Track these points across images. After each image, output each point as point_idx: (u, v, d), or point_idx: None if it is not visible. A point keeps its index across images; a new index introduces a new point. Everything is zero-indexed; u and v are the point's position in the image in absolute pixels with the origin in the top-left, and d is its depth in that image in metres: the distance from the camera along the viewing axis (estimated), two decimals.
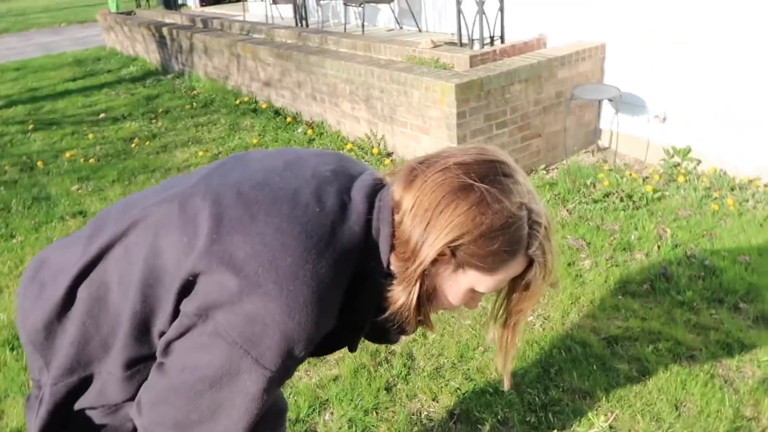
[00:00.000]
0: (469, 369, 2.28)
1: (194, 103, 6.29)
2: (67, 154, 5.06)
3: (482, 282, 0.94)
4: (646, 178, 3.88)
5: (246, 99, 6.07)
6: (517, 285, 0.98)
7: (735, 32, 3.60)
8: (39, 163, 4.92)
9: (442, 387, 2.21)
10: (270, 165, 1.00)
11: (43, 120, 6.20)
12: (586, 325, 2.49)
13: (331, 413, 2.15)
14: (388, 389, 2.22)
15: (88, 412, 1.03)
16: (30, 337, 1.02)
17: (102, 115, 6.19)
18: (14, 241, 3.64)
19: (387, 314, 0.96)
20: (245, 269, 0.84)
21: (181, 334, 0.89)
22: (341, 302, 0.92)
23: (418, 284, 0.93)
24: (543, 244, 0.93)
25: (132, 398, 0.99)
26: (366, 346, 2.43)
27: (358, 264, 0.92)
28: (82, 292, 0.98)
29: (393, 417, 2.10)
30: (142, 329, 0.95)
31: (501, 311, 1.04)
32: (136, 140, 5.30)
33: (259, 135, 5.15)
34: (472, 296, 0.99)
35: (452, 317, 2.58)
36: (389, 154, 4.37)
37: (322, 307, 0.87)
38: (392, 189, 0.94)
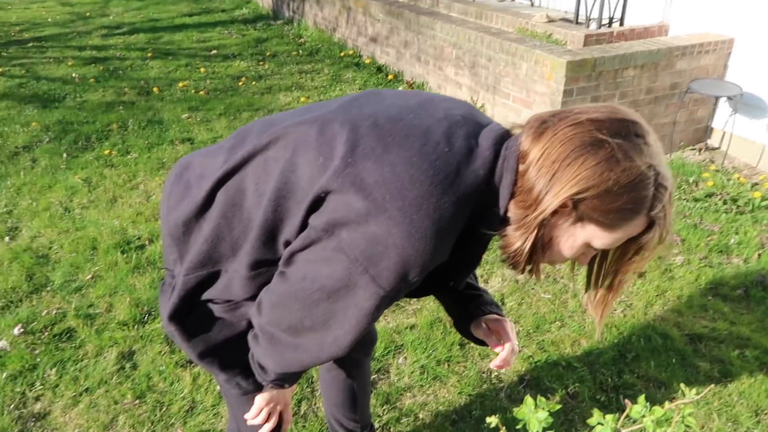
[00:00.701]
0: (543, 340, 2.31)
1: (300, 51, 6.46)
2: (180, 84, 5.35)
3: (600, 237, 0.96)
4: (756, 184, 3.68)
5: (351, 52, 6.17)
6: (630, 247, 1.00)
7: None
8: (155, 89, 5.24)
9: None
10: (404, 102, 1.06)
11: (161, 50, 6.55)
12: (670, 319, 2.45)
13: (405, 358, 2.24)
14: (461, 345, 2.29)
15: (212, 305, 1.14)
16: (170, 231, 1.14)
17: (214, 52, 6.47)
18: (129, 157, 3.94)
19: (500, 257, 1.01)
20: (374, 194, 0.90)
21: (306, 247, 0.97)
22: (455, 240, 0.97)
23: (535, 232, 0.96)
24: (665, 208, 0.94)
25: (252, 298, 1.10)
26: None
27: (477, 206, 0.97)
28: (221, 195, 1.07)
29: (464, 371, 2.17)
30: (270, 236, 1.04)
31: (607, 271, 1.06)
32: (243, 79, 5.53)
33: (360, 88, 5.24)
34: (585, 251, 1.02)
35: (533, 289, 2.61)
36: None
37: (439, 239, 0.92)
38: (520, 139, 0.98)
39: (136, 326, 2.38)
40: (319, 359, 1.02)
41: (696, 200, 3.44)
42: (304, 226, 1.00)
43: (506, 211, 0.98)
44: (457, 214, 0.94)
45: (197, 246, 1.10)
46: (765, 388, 2.07)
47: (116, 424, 1.96)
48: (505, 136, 1.02)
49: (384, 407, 2.03)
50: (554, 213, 0.94)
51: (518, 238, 0.98)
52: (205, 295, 1.13)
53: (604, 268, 1.07)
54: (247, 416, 1.22)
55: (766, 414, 1.99)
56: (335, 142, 0.98)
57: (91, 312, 2.46)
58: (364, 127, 0.99)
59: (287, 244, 1.03)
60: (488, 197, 0.98)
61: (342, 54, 6.17)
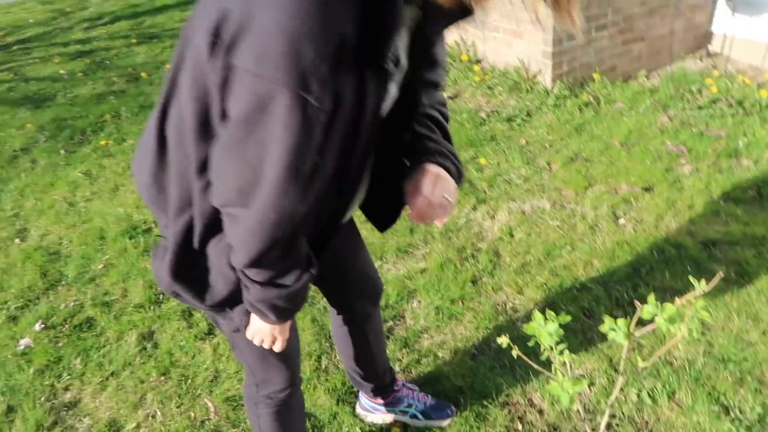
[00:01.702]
0: (555, 266, 2.30)
1: None
2: (167, 66, 5.29)
3: None
4: (762, 84, 3.56)
5: None
6: None
7: None
8: (143, 75, 5.19)
9: (527, 282, 2.24)
10: None
11: (145, 34, 6.47)
12: (682, 228, 2.41)
13: (419, 301, 2.25)
14: (473, 282, 2.29)
15: (208, 250, 1.09)
16: (148, 197, 1.11)
17: None
18: (126, 144, 3.93)
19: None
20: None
21: (222, 98, 0.90)
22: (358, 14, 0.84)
23: None
24: None
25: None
26: (452, 242, 2.49)
27: None
28: (170, 131, 1.02)
29: (478, 307, 2.17)
30: (204, 121, 0.96)
31: None
32: None
33: None
34: None
35: (540, 218, 2.58)
36: (479, 61, 4.25)
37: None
38: None
39: (152, 307, 2.41)
40: (280, 213, 0.92)
41: (700, 108, 3.35)
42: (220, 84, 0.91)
43: None
44: None
45: (172, 194, 1.06)
46: None
47: (145, 401, 2.01)
48: None
49: (403, 351, 2.04)
50: None
51: None
52: (197, 242, 1.08)
53: None
54: (248, 334, 1.18)
55: None
56: None
57: (107, 299, 2.49)
58: None
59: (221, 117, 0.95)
60: None
61: None
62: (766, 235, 2.30)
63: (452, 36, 4.48)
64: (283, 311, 1.10)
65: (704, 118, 3.22)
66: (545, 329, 1.22)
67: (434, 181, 1.14)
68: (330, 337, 2.13)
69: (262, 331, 1.16)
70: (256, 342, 1.19)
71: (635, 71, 3.96)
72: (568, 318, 1.21)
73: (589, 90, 3.60)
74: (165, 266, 1.11)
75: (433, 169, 1.15)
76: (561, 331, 1.21)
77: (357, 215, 1.38)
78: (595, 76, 3.70)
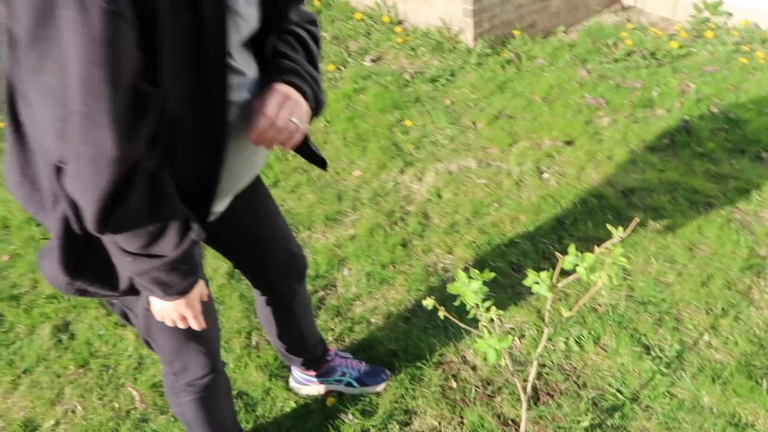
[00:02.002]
0: (483, 224, 2.30)
1: None
2: None
3: None
4: (673, 35, 3.68)
5: None
6: None
7: None
8: None
9: (456, 241, 2.24)
10: None
11: None
12: (603, 179, 2.46)
13: (349, 269, 2.21)
14: (404, 245, 2.26)
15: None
16: (23, 197, 1.00)
17: None
18: None
19: None
20: None
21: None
22: None
23: None
24: None
25: None
26: (381, 206, 2.45)
27: None
28: (23, 116, 0.92)
29: (410, 270, 2.16)
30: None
31: None
32: None
33: None
34: None
35: (467, 177, 2.57)
36: (400, 22, 4.17)
37: None
38: None
39: (66, 297, 2.26)
40: (96, 150, 0.79)
41: (616, 61, 3.42)
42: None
43: None
44: None
45: (44, 186, 0.97)
46: (696, 224, 2.13)
47: (63, 396, 1.89)
48: None
49: (335, 320, 2.00)
50: None
51: None
52: (78, 227, 0.96)
53: None
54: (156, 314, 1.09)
55: (699, 248, 2.05)
56: None
57: (15, 292, 2.31)
58: None
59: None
60: None
61: None
62: (680, 180, 2.38)
63: None
64: (168, 285, 0.98)
65: (620, 71, 3.30)
66: (470, 288, 1.20)
67: (281, 102, 1.02)
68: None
69: (165, 310, 1.07)
70: (168, 323, 1.11)
71: (554, 27, 4.00)
72: (491, 275, 1.19)
73: (510, 47, 3.61)
74: (56, 266, 1.00)
75: (282, 89, 1.04)
76: (485, 289, 1.19)
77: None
78: (515, 32, 3.71)
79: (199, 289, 1.07)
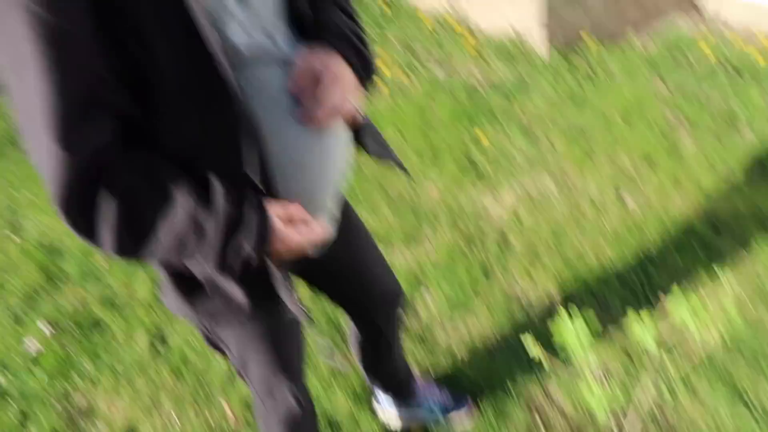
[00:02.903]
0: (565, 252, 2.29)
1: None
2: None
3: None
4: (761, 49, 3.52)
5: None
6: None
7: None
8: None
9: (539, 270, 2.24)
10: None
11: None
12: (689, 206, 2.41)
13: (430, 293, 2.24)
14: (484, 270, 2.27)
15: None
16: None
17: None
18: None
19: None
20: None
21: None
22: None
23: None
24: None
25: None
26: (458, 226, 2.47)
27: None
28: None
29: (492, 299, 2.17)
30: None
31: None
32: None
33: None
34: None
35: (546, 198, 2.56)
36: (470, 29, 4.15)
37: None
38: None
39: (160, 304, 2.38)
40: (56, 133, 0.76)
41: (696, 75, 3.31)
42: None
43: None
44: None
45: None
46: None
47: (160, 405, 2.01)
48: None
49: (419, 347, 2.05)
50: None
51: None
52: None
53: None
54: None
55: None
56: None
57: (113, 298, 2.46)
58: None
59: None
60: None
61: None
62: None
63: (442, 5, 4.36)
64: (243, 251, 0.86)
65: (701, 86, 3.18)
66: (572, 331, 1.21)
67: (333, 81, 0.91)
68: (344, 333, 2.12)
69: (289, 248, 0.92)
70: (305, 246, 0.94)
71: (624, 30, 3.87)
72: (597, 327, 1.20)
73: (583, 56, 3.53)
74: (174, 300, 1.05)
75: (333, 67, 0.92)
76: (590, 336, 1.20)
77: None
78: (584, 35, 3.61)
79: (278, 216, 0.90)
